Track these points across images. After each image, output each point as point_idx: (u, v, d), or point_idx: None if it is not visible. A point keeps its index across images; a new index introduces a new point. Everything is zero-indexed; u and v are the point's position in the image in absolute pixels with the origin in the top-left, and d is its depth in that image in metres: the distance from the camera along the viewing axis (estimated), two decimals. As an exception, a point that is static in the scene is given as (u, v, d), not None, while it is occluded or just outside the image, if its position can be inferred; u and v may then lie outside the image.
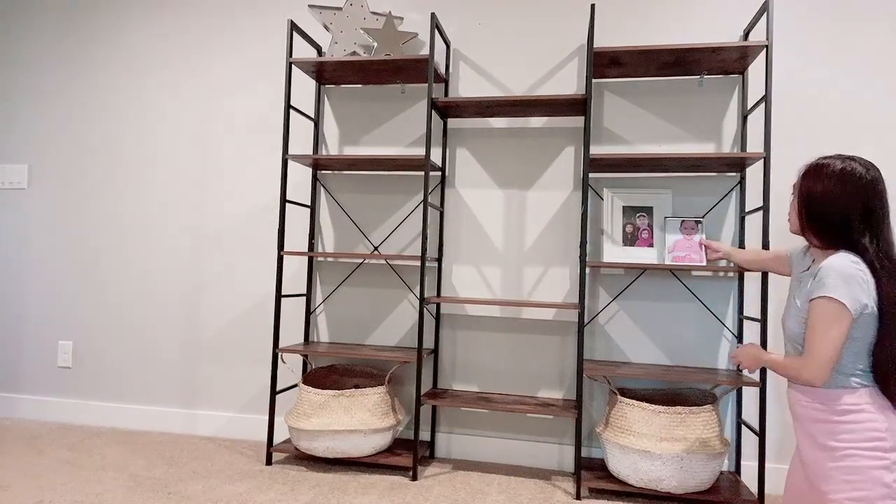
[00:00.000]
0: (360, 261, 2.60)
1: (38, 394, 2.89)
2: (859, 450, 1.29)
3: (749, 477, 2.21)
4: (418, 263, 2.51)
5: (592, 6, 2.15)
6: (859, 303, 1.28)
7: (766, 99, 2.02)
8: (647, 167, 2.24)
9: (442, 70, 2.51)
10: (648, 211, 2.27)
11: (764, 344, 1.98)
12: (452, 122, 2.55)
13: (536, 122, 2.47)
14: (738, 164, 2.15)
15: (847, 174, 1.35)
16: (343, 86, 2.66)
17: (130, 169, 2.85)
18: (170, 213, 2.79)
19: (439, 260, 2.51)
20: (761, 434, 1.98)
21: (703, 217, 2.26)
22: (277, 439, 2.57)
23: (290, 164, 2.64)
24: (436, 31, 2.28)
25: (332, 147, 2.66)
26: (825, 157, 1.40)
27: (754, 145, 2.27)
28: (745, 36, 2.25)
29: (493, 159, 2.51)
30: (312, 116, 2.63)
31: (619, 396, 2.10)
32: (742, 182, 2.27)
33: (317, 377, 2.48)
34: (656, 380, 2.23)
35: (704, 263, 2.15)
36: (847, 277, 1.28)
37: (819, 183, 1.37)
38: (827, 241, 1.37)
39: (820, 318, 1.30)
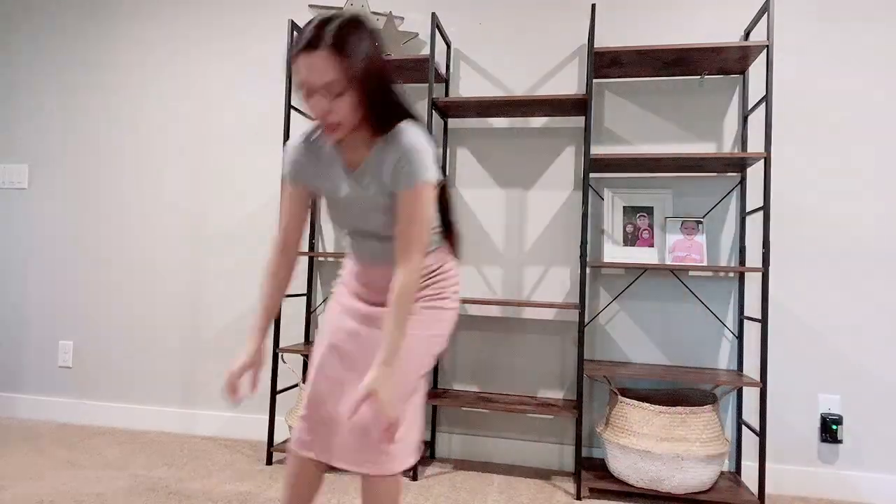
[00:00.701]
0: (360, 261, 2.59)
1: (39, 393, 2.89)
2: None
3: (749, 477, 2.21)
4: (419, 263, 2.50)
5: (593, 6, 2.14)
6: None
7: (766, 99, 2.02)
8: (648, 167, 2.24)
9: (442, 70, 2.51)
10: (649, 211, 2.27)
11: (764, 344, 1.98)
12: (453, 122, 2.55)
13: (537, 122, 2.47)
14: (738, 165, 2.15)
15: None
16: (343, 86, 2.66)
17: (131, 169, 2.85)
18: (170, 213, 2.79)
19: (440, 260, 2.51)
20: (762, 434, 1.97)
21: (703, 217, 2.26)
22: (278, 439, 2.57)
23: (291, 163, 2.64)
24: (436, 31, 2.28)
25: (333, 147, 2.66)
26: None
27: (755, 145, 2.27)
28: (746, 36, 2.25)
29: (493, 159, 2.51)
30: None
31: (619, 396, 2.10)
32: (742, 182, 2.27)
33: (317, 377, 2.47)
34: (657, 380, 2.23)
35: (705, 263, 2.15)
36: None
37: None
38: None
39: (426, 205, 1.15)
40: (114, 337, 2.83)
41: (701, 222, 2.19)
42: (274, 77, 2.70)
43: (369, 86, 1.09)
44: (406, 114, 1.18)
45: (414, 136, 1.15)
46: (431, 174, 1.15)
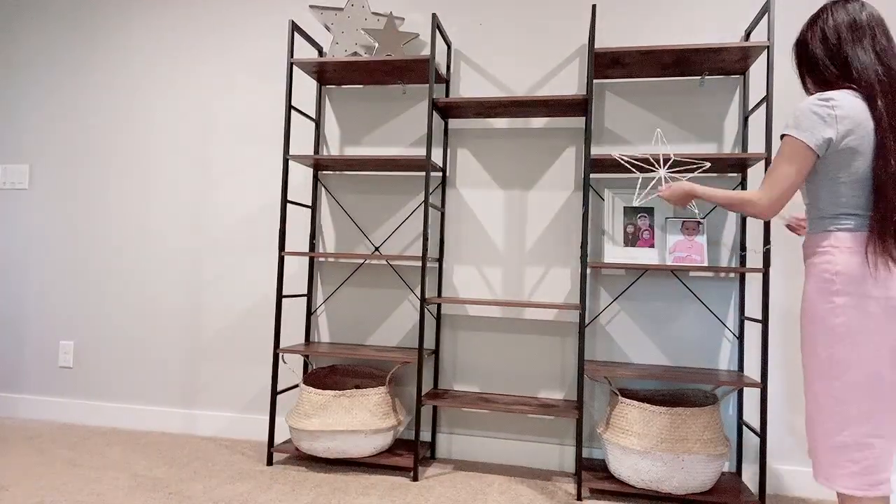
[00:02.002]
0: (360, 261, 2.60)
1: (39, 394, 2.89)
2: (812, 292, 1.31)
3: (750, 478, 2.21)
4: (419, 264, 2.51)
5: (594, 6, 2.15)
6: (821, 138, 1.27)
7: (767, 100, 2.02)
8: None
9: (443, 70, 2.51)
10: (649, 211, 2.27)
11: (765, 345, 1.98)
12: (453, 123, 2.55)
13: (537, 122, 2.47)
14: (739, 165, 2.15)
15: (811, 23, 1.40)
16: (344, 86, 2.66)
17: (131, 169, 2.85)
18: (171, 213, 2.79)
19: (440, 260, 2.51)
20: (762, 435, 1.97)
21: (703, 218, 2.26)
22: (278, 440, 2.57)
23: (291, 164, 2.64)
24: (437, 32, 2.28)
25: (333, 147, 2.66)
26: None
27: (755, 146, 2.27)
28: (747, 36, 2.25)
29: (494, 160, 2.51)
30: (313, 117, 2.64)
31: (620, 397, 2.10)
32: (743, 182, 2.27)
33: (318, 377, 2.48)
34: (657, 380, 2.23)
35: (706, 264, 2.14)
36: (806, 114, 1.29)
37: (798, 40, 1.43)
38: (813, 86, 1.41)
39: (777, 155, 1.33)
40: (114, 337, 2.83)
41: (701, 223, 2.19)
42: (274, 77, 2.70)
43: None
44: None
45: None
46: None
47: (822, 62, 1.36)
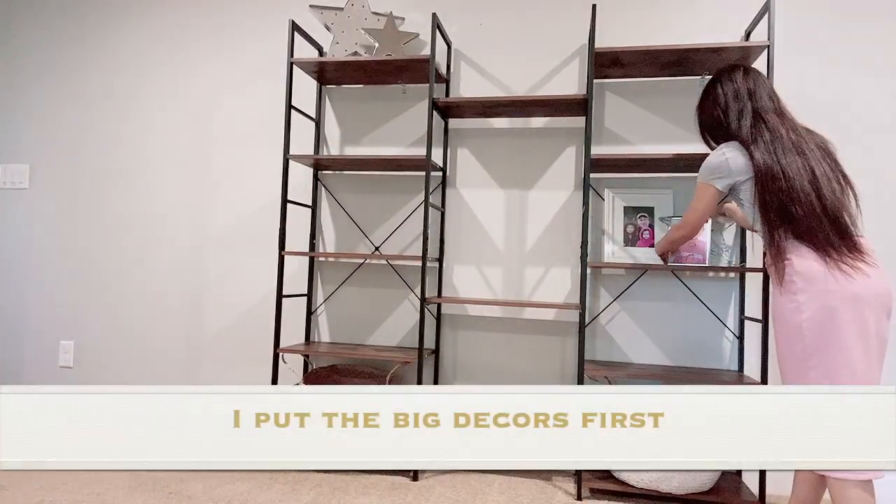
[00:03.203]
0: (361, 261, 2.60)
1: (39, 393, 2.89)
2: (776, 296, 1.57)
3: (750, 477, 2.20)
4: (419, 263, 2.51)
5: (594, 6, 2.15)
6: (721, 181, 1.70)
7: (767, 99, 2.02)
8: (648, 167, 2.24)
9: (443, 70, 2.51)
10: (649, 211, 2.27)
11: (765, 345, 1.98)
12: (453, 123, 2.55)
13: (537, 122, 2.47)
14: (739, 165, 2.14)
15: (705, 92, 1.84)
16: (344, 86, 2.66)
17: (131, 169, 2.85)
18: (171, 213, 2.79)
19: (440, 260, 2.51)
20: (762, 434, 1.97)
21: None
22: (278, 439, 2.57)
23: (292, 164, 2.64)
24: (437, 32, 2.28)
25: (334, 147, 2.66)
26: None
27: (755, 145, 2.27)
28: (747, 36, 2.25)
29: (494, 159, 2.51)
30: (313, 116, 2.64)
31: (620, 397, 2.10)
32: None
33: (318, 377, 2.48)
34: (657, 380, 2.22)
35: (706, 264, 2.14)
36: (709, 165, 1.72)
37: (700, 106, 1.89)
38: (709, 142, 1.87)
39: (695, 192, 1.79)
40: (115, 337, 2.83)
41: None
42: (275, 77, 2.70)
43: None
44: None
45: None
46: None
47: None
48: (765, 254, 1.63)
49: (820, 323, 1.45)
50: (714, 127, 1.79)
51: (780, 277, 1.54)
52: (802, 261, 1.49)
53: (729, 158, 1.66)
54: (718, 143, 1.76)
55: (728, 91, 1.73)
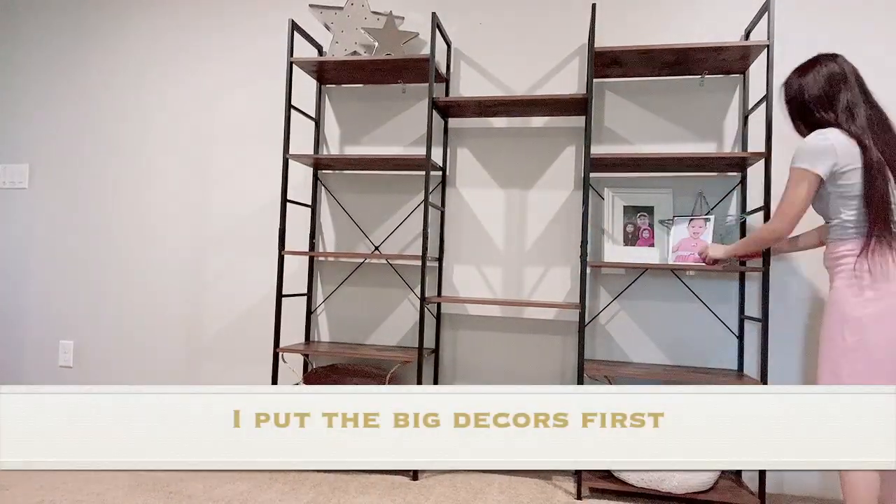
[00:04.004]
0: (360, 260, 2.60)
1: (39, 393, 2.89)
2: (841, 288, 1.58)
3: (750, 477, 2.21)
4: (419, 263, 2.51)
5: (593, 6, 2.14)
6: (824, 165, 1.61)
7: (767, 99, 2.02)
8: (648, 167, 2.24)
9: (443, 70, 2.51)
10: (649, 210, 2.27)
11: (765, 344, 1.98)
12: (453, 122, 2.55)
13: (537, 121, 2.47)
14: (739, 164, 2.15)
15: (801, 71, 1.77)
16: (344, 85, 2.66)
17: (131, 169, 2.85)
18: (171, 213, 2.79)
19: (440, 259, 2.51)
20: (762, 434, 1.97)
21: (709, 213, 2.25)
22: (278, 439, 2.57)
23: (291, 163, 2.64)
24: (436, 31, 2.28)
25: (333, 147, 2.66)
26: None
27: (755, 145, 2.27)
28: (747, 36, 2.25)
29: (493, 159, 2.51)
30: (313, 116, 2.63)
31: (619, 396, 2.10)
32: (743, 182, 2.26)
33: (318, 377, 2.48)
34: (657, 380, 2.22)
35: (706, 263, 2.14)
36: (809, 148, 1.64)
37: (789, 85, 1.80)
38: (803, 128, 1.76)
39: (787, 182, 1.69)
40: (114, 336, 2.83)
41: (709, 220, 2.16)
42: (274, 77, 2.70)
43: None
44: None
45: None
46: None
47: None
48: (826, 244, 1.68)
49: (879, 321, 1.50)
50: (809, 111, 1.71)
51: (851, 268, 1.57)
52: (879, 257, 1.54)
53: (834, 142, 1.60)
54: (811, 130, 1.70)
55: (835, 73, 1.68)
